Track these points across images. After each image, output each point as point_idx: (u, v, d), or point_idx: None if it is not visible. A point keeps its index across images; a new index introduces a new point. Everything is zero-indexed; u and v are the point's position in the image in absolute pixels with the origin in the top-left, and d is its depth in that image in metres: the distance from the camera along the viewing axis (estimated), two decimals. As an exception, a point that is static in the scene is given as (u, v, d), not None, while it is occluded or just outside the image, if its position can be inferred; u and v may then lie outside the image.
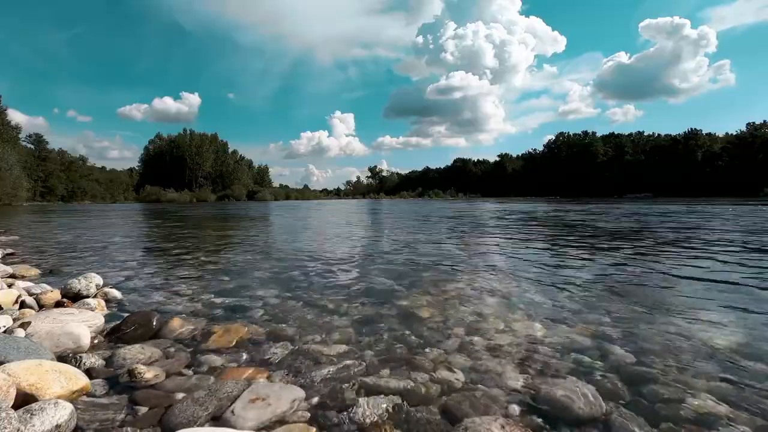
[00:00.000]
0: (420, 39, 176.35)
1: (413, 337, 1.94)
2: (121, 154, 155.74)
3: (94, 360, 1.63)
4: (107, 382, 1.47)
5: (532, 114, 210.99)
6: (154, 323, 2.03)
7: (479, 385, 1.46)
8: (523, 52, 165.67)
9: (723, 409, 1.29)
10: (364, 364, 1.64)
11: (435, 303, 2.55)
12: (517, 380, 1.49)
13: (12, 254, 4.68)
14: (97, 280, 2.72)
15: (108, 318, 2.16)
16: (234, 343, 1.86)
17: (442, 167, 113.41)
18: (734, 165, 57.93)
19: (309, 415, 1.28)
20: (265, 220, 12.67)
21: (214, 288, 3.00)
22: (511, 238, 6.38)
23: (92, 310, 2.23)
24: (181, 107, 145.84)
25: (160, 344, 1.84)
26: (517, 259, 4.27)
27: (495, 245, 5.60)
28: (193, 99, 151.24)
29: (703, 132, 65.61)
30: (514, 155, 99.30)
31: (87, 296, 2.50)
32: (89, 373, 1.51)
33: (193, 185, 77.59)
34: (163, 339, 1.92)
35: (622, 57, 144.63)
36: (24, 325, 1.80)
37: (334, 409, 1.31)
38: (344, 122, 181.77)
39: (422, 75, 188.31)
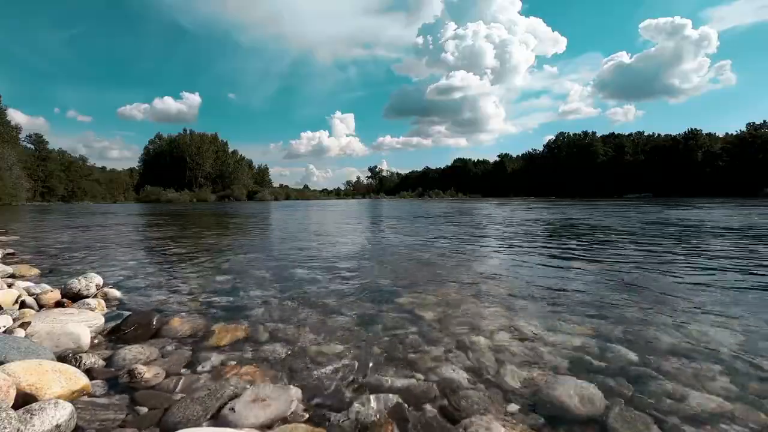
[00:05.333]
0: (420, 39, 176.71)
1: (413, 337, 1.94)
2: (122, 154, 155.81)
3: (94, 360, 1.63)
4: (107, 382, 1.47)
5: (533, 114, 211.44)
6: (154, 323, 2.04)
7: (479, 385, 1.46)
8: (523, 52, 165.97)
9: (724, 408, 1.29)
10: (364, 363, 1.64)
11: (435, 302, 2.55)
12: (517, 379, 1.49)
13: (12, 254, 4.68)
14: (97, 279, 2.72)
15: (108, 318, 2.16)
16: (234, 342, 1.86)
17: (442, 167, 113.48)
18: (734, 165, 57.89)
19: (308, 414, 1.28)
20: (265, 220, 12.67)
21: (214, 287, 3.00)
22: (510, 239, 6.38)
23: (92, 310, 2.23)
24: (182, 107, 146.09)
25: (160, 344, 1.84)
26: (516, 259, 4.27)
27: (495, 245, 5.60)
28: (194, 99, 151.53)
29: (704, 132, 65.61)
30: (515, 155, 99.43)
31: (87, 296, 2.50)
32: (89, 373, 1.51)
33: (193, 185, 77.55)
34: (163, 339, 1.92)
35: (623, 57, 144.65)
36: (24, 325, 1.80)
37: (333, 408, 1.31)
38: (344, 122, 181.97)
39: (422, 75, 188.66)
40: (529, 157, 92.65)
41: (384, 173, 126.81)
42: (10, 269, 3.32)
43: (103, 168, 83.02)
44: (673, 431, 1.18)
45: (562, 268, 3.76)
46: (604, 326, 2.07)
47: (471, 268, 3.81)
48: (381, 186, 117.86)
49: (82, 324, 1.87)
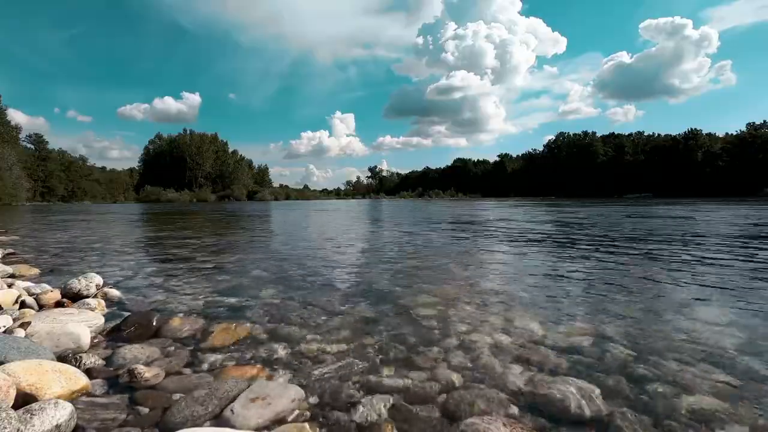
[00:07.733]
0: (420, 39, 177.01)
1: (413, 336, 1.94)
2: (122, 154, 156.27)
3: (94, 360, 1.62)
4: (107, 382, 1.47)
5: (533, 114, 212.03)
6: (154, 323, 2.03)
7: (479, 385, 1.46)
8: (523, 52, 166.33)
9: (723, 407, 1.29)
10: (364, 363, 1.64)
11: (435, 302, 2.55)
12: (517, 380, 1.49)
13: (12, 254, 4.68)
14: (97, 279, 2.72)
15: (108, 318, 2.16)
16: (234, 342, 1.86)
17: (442, 167, 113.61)
18: (734, 165, 57.91)
19: (309, 414, 1.28)
20: (265, 220, 12.67)
21: (214, 287, 3.00)
22: (510, 238, 6.38)
23: (92, 310, 2.23)
24: (182, 107, 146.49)
25: (160, 344, 1.84)
26: (516, 260, 4.27)
27: (494, 245, 5.60)
28: (194, 99, 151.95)
29: (704, 132, 65.62)
30: (515, 155, 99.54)
31: (87, 296, 2.50)
32: (89, 372, 1.51)
33: (193, 185, 77.60)
34: (163, 338, 1.92)
35: (623, 57, 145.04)
36: (24, 325, 1.80)
37: (334, 408, 1.31)
38: (344, 122, 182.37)
39: (422, 75, 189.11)
40: (529, 157, 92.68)
41: (384, 173, 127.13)
42: (10, 269, 3.32)
43: (103, 168, 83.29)
44: (674, 431, 1.18)
45: (561, 267, 3.76)
46: (604, 326, 2.07)
47: (471, 268, 3.81)
48: (381, 186, 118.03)
49: (82, 324, 1.86)
